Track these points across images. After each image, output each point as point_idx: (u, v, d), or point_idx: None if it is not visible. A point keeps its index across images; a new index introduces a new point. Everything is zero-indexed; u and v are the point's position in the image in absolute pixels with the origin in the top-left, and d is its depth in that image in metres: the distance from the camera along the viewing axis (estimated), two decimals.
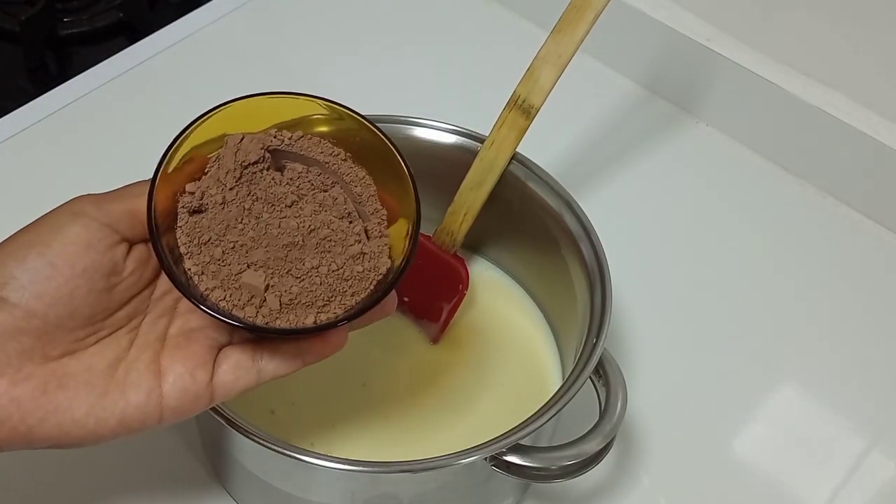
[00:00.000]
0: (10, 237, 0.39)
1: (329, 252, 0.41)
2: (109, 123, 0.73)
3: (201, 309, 0.39)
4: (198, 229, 0.41)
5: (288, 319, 0.40)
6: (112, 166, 0.69)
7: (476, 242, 0.61)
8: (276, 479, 0.49)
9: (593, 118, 0.76)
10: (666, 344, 0.63)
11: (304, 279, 0.41)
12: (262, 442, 0.45)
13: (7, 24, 0.78)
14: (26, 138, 0.71)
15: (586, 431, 0.48)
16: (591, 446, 0.47)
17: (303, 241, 0.41)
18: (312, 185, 0.43)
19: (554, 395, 0.48)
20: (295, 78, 0.76)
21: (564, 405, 0.47)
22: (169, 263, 0.39)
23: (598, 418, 0.48)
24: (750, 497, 0.58)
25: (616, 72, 0.79)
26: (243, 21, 0.81)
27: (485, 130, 0.55)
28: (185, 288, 0.39)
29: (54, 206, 0.40)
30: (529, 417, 0.47)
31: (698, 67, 0.75)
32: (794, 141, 0.73)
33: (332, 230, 0.42)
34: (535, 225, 0.56)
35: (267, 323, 0.40)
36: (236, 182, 0.41)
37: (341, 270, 0.41)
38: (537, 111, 0.53)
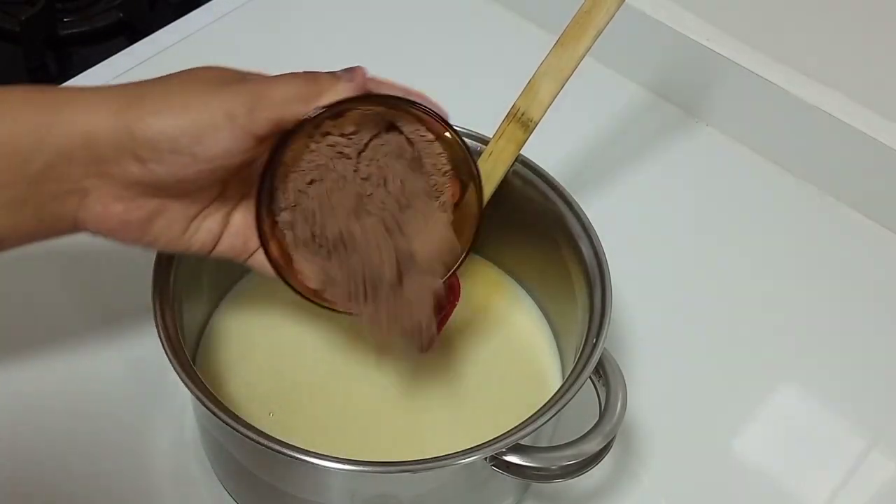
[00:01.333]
0: (172, 93, 0.47)
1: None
2: None
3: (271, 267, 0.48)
4: (308, 189, 0.47)
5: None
6: None
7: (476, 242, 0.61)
8: (276, 478, 0.49)
9: (593, 119, 0.76)
10: (666, 344, 0.63)
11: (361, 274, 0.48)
12: (261, 442, 0.45)
13: (7, 24, 0.78)
14: None
15: (586, 431, 0.48)
16: (591, 446, 0.47)
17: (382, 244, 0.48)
18: (424, 204, 0.49)
19: (554, 395, 0.48)
20: None
21: (564, 405, 0.47)
22: (262, 217, 0.47)
23: (598, 418, 0.48)
24: (750, 497, 0.58)
25: (615, 72, 0.79)
26: (243, 21, 0.80)
27: (484, 130, 0.55)
28: (265, 235, 0.47)
29: None
30: (529, 417, 0.47)
31: (699, 68, 0.75)
32: (795, 141, 0.73)
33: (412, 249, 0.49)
34: (535, 225, 0.56)
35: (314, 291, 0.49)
36: (356, 170, 0.48)
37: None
38: (536, 124, 0.53)
